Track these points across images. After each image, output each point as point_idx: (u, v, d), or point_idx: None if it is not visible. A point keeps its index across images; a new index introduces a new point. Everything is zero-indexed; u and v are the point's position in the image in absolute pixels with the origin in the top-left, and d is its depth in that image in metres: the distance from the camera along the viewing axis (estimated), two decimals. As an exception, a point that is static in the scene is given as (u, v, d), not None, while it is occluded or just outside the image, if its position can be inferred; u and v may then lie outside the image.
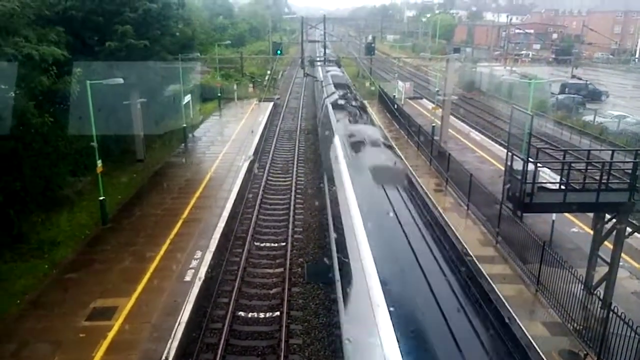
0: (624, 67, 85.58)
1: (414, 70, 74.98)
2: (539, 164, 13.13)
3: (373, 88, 51.66)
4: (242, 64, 47.53)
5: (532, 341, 7.32)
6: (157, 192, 22.99)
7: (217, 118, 40.64)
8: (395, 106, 39.02)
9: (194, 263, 16.14)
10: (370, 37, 70.05)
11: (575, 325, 12.42)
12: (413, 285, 8.32)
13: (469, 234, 18.07)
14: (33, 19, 18.18)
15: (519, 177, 12.29)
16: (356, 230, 10.31)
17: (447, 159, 23.45)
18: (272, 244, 19.36)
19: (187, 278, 15.22)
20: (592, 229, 13.76)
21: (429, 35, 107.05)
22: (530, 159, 12.49)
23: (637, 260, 16.12)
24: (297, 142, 35.60)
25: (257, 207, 22.69)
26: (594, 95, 50.86)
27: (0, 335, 12.50)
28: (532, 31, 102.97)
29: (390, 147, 18.38)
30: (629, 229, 12.78)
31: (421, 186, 21.24)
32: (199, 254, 16.75)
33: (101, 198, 18.99)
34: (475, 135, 35.50)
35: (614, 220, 12.92)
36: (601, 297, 12.23)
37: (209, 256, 16.63)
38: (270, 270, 17.40)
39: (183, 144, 31.32)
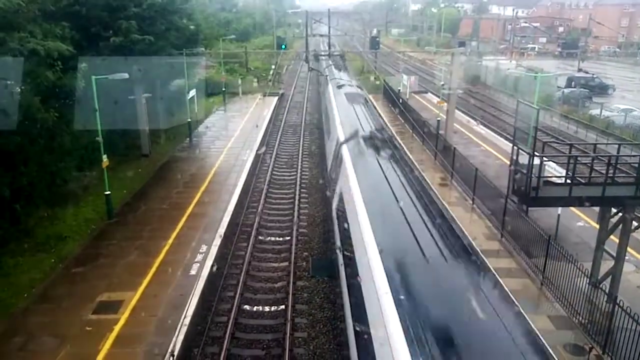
0: (631, 61, 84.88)
1: (419, 64, 74.69)
2: (544, 158, 13.06)
3: (378, 82, 51.50)
4: (246, 58, 47.53)
5: (538, 334, 7.29)
6: (163, 186, 23.06)
7: (222, 113, 40.67)
8: (400, 100, 38.91)
9: (199, 257, 16.20)
10: (375, 31, 69.72)
11: (580, 319, 12.40)
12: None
13: (474, 228, 18.04)
14: (38, 14, 18.20)
15: (525, 171, 12.24)
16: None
17: (452, 153, 23.38)
18: (277, 238, 19.41)
19: (193, 272, 15.28)
20: (597, 223, 13.72)
21: (434, 29, 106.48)
22: (536, 152, 12.43)
23: (643, 254, 16.04)
24: (301, 136, 35.62)
25: (262, 201, 22.74)
26: (601, 89, 50.50)
27: (7, 329, 12.61)
28: (538, 24, 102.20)
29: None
30: (635, 223, 12.73)
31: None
32: (204, 247, 16.82)
33: (107, 193, 19.06)
34: (481, 129, 35.38)
35: (620, 214, 12.87)
36: (607, 291, 12.18)
37: (214, 250, 16.69)
38: (275, 264, 17.45)
39: (188, 139, 31.37)
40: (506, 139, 31.05)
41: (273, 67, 60.14)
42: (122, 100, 23.65)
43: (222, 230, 18.27)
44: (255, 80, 53.98)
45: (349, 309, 10.62)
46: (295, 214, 21.35)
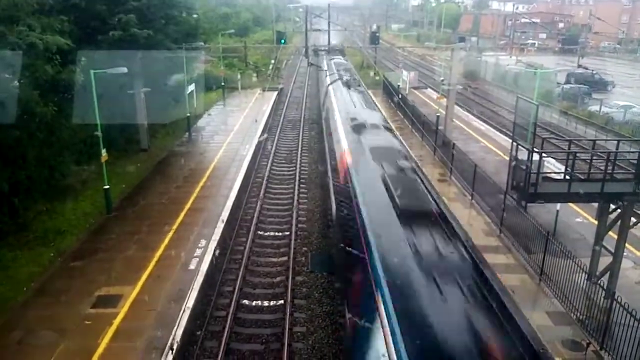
0: (631, 57, 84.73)
1: (419, 59, 74.54)
2: (543, 154, 13.07)
3: (377, 78, 51.41)
4: (245, 53, 47.39)
5: (536, 330, 7.31)
6: (162, 181, 23.04)
7: (221, 107, 40.57)
8: (400, 95, 38.87)
9: (198, 252, 16.20)
10: (374, 26, 69.55)
11: (578, 314, 12.44)
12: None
13: (473, 223, 18.06)
14: (37, 8, 18.11)
15: (524, 167, 12.25)
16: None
17: (452, 149, 23.37)
18: (276, 233, 19.42)
19: (192, 266, 15.29)
20: (596, 219, 13.73)
21: (434, 25, 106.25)
22: (535, 148, 12.43)
23: (641, 251, 16.08)
24: (301, 131, 35.59)
25: (261, 196, 22.73)
26: (600, 85, 50.42)
27: (6, 323, 12.62)
28: (538, 20, 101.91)
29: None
30: (633, 219, 12.75)
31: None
32: (203, 242, 16.83)
33: (106, 187, 19.04)
34: (480, 124, 35.36)
35: (619, 210, 12.88)
36: (605, 287, 12.22)
37: (213, 245, 16.70)
38: (275, 259, 17.47)
39: (187, 133, 31.33)
40: (506, 134, 31.03)
41: (272, 61, 59.98)
42: (121, 95, 23.58)
43: (221, 224, 18.27)
44: (255, 75, 53.88)
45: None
46: (295, 209, 21.36)
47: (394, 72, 56.70)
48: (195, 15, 32.20)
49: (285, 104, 45.71)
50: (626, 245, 13.37)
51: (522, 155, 12.48)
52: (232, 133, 31.70)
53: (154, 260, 15.64)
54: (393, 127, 26.92)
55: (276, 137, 33.61)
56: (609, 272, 13.12)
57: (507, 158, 14.36)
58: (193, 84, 32.66)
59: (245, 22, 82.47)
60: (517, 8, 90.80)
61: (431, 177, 22.68)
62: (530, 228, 15.06)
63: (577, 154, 14.46)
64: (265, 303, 14.90)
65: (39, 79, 17.05)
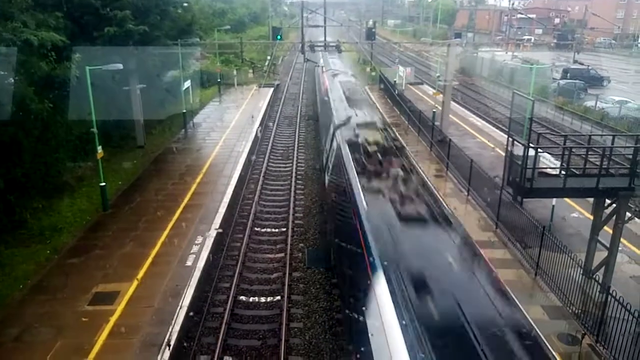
0: (627, 52, 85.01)
1: (415, 55, 74.38)
2: (539, 150, 13.11)
3: (374, 73, 51.35)
4: (241, 49, 47.16)
5: (532, 324, 7.36)
6: (158, 177, 23.00)
7: (217, 104, 40.48)
8: (396, 91, 38.86)
9: (194, 248, 16.21)
10: (370, 22, 69.39)
11: (574, 308, 12.51)
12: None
13: (469, 219, 18.11)
14: (31, 4, 18.00)
15: (520, 162, 12.29)
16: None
17: (448, 145, 23.40)
18: (273, 230, 19.43)
19: (189, 263, 15.30)
20: (592, 214, 13.80)
21: (430, 20, 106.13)
22: (530, 144, 12.47)
23: (636, 245, 16.17)
24: (297, 127, 35.56)
25: (257, 192, 22.73)
26: (596, 81, 50.55)
27: (3, 320, 12.60)
28: (534, 16, 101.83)
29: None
30: (628, 214, 12.83)
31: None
32: (199, 239, 16.82)
33: (102, 184, 19.00)
34: (476, 120, 35.40)
35: (614, 205, 12.95)
36: (600, 281, 12.28)
37: (209, 241, 16.70)
38: (271, 255, 17.48)
39: (183, 130, 31.26)
40: (502, 130, 31.09)
41: (269, 58, 59.76)
42: (116, 91, 23.51)
43: (217, 221, 18.27)
44: (251, 71, 53.73)
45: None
46: (291, 205, 21.36)
47: (390, 67, 56.66)
48: (190, 12, 32.01)
49: (282, 100, 45.65)
50: (621, 239, 13.45)
51: (518, 150, 12.52)
52: (229, 129, 31.65)
53: (150, 257, 15.63)
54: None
55: (272, 134, 33.58)
56: (604, 267, 13.20)
57: (503, 153, 14.39)
58: (189, 80, 32.56)
59: (241, 17, 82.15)
60: (513, 4, 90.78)
61: (427, 172, 22.73)
62: (526, 223, 15.11)
63: (573, 150, 14.51)
64: (263, 299, 14.93)
65: (34, 75, 16.97)
